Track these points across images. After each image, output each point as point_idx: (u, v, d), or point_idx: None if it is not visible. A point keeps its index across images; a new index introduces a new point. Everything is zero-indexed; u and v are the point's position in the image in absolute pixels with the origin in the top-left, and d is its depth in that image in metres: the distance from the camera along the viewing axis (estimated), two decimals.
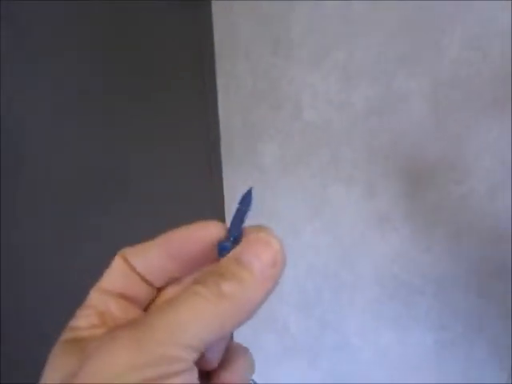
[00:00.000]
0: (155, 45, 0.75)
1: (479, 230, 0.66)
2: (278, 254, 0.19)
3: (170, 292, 0.21)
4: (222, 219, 0.99)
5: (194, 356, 0.16)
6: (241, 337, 0.91)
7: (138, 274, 0.21)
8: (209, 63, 0.85)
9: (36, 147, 0.60)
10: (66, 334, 0.19)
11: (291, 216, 0.84)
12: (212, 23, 0.84)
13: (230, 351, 0.21)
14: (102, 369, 0.15)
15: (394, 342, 0.79)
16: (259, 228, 0.20)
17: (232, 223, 0.21)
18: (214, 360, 0.20)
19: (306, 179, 0.78)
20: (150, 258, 0.21)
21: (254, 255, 0.18)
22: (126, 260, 0.21)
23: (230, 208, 0.97)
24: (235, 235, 0.20)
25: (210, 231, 0.21)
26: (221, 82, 0.86)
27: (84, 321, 0.19)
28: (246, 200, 0.22)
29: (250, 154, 0.85)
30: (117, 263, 0.21)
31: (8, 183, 0.56)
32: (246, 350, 0.22)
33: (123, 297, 0.20)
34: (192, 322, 0.16)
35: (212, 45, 0.83)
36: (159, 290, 0.22)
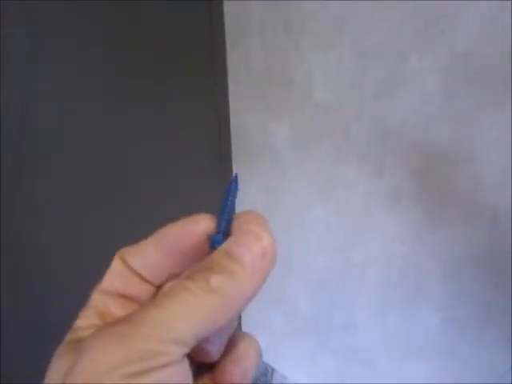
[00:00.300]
0: (165, 26, 0.75)
1: (490, 210, 0.66)
2: (268, 245, 0.18)
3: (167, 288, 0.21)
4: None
5: (184, 350, 0.16)
6: (249, 316, 0.93)
7: (137, 273, 0.21)
8: (219, 43, 0.85)
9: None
10: (69, 335, 0.19)
11: (301, 195, 0.84)
12: (223, 2, 0.84)
13: (234, 341, 0.21)
14: (89, 367, 0.15)
15: (402, 321, 0.80)
16: (248, 215, 0.20)
17: (221, 215, 0.20)
18: (214, 352, 0.20)
19: (317, 158, 0.78)
20: (146, 256, 0.21)
21: (245, 248, 0.18)
22: (124, 260, 0.21)
23: (239, 194, 0.98)
24: (224, 227, 0.20)
25: (202, 224, 0.20)
26: (231, 62, 0.85)
27: (85, 321, 0.19)
28: (231, 189, 0.21)
29: (260, 134, 0.85)
30: (115, 264, 0.21)
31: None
32: (251, 341, 0.22)
33: (123, 296, 0.20)
34: (179, 317, 0.16)
35: (223, 24, 0.83)
36: (159, 287, 0.22)
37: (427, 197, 0.71)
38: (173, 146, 0.81)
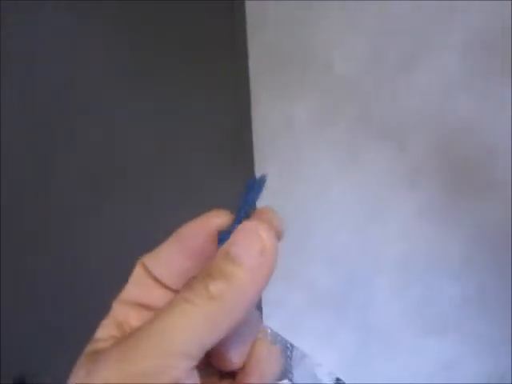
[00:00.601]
0: (186, 6, 0.75)
1: (510, 185, 0.65)
2: (266, 241, 0.17)
3: None
4: (252, 172, 1.01)
5: (190, 363, 0.16)
6: (268, 293, 0.95)
7: (157, 279, 0.20)
8: (240, 23, 0.85)
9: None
10: (89, 346, 0.18)
11: (320, 173, 0.85)
12: None
13: (255, 348, 0.20)
14: None
15: (421, 297, 0.80)
16: (261, 211, 0.20)
17: (238, 211, 0.19)
18: (237, 360, 0.19)
19: (336, 135, 0.78)
20: (166, 259, 0.20)
21: (242, 247, 0.17)
22: (145, 267, 0.20)
23: (259, 170, 0.99)
24: (237, 224, 0.18)
25: (218, 221, 0.20)
26: (251, 40, 0.85)
27: (104, 332, 0.19)
28: (254, 186, 0.20)
29: (279, 113, 0.86)
30: (136, 272, 0.21)
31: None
32: (271, 348, 0.21)
33: (142, 305, 0.20)
34: (181, 329, 0.16)
35: (243, 1, 0.83)
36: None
37: (447, 173, 0.70)
38: (194, 131, 0.81)
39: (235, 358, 0.19)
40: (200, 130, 0.82)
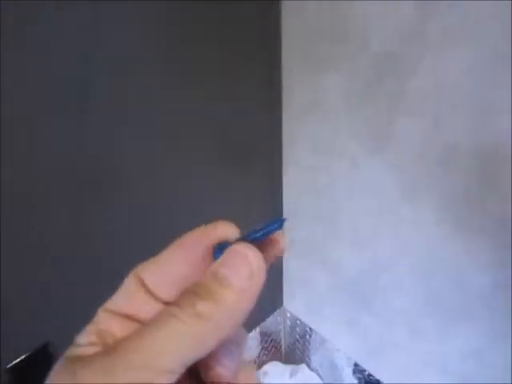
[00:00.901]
0: None
1: None
2: (254, 266, 0.18)
3: None
4: (280, 159, 1.00)
5: (171, 379, 0.16)
6: (291, 272, 0.95)
7: (150, 291, 0.20)
8: None
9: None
10: (69, 351, 0.18)
11: (352, 152, 0.83)
12: None
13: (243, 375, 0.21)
14: None
15: (449, 283, 0.79)
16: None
17: (247, 236, 0.20)
18: (228, 374, 0.20)
19: (370, 113, 0.76)
20: (165, 268, 0.20)
21: (232, 270, 0.18)
22: (139, 278, 0.20)
23: (288, 148, 0.98)
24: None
25: (221, 232, 0.20)
26: (285, 13, 0.84)
27: (85, 338, 0.19)
28: (277, 226, 0.20)
29: (312, 89, 0.85)
30: (129, 282, 0.20)
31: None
32: (253, 367, 0.22)
33: (128, 317, 0.20)
34: (165, 345, 0.16)
35: None
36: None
37: (482, 155, 0.68)
38: (234, 84, 0.81)
39: (226, 372, 0.20)
40: (234, 103, 0.82)
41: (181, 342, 0.16)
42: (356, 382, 1.18)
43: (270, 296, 1.26)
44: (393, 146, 0.76)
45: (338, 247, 0.98)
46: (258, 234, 0.20)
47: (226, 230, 0.21)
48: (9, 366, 0.63)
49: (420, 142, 0.72)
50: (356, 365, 1.15)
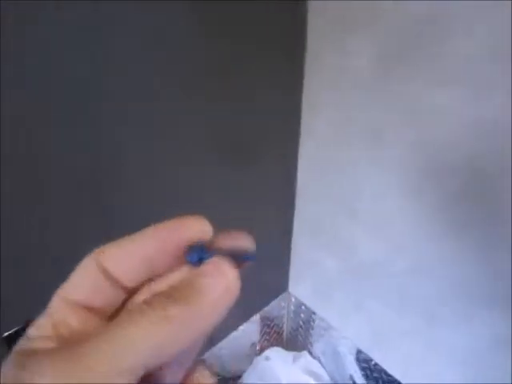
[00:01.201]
0: None
1: None
2: (232, 282, 0.18)
3: (144, 294, 0.20)
4: (297, 124, 0.94)
5: (132, 378, 0.16)
6: (300, 255, 0.89)
7: (110, 276, 0.19)
8: None
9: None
10: (21, 344, 0.18)
11: (378, 125, 0.77)
12: None
13: (192, 372, 0.21)
14: None
15: (471, 270, 0.73)
16: (229, 238, 0.21)
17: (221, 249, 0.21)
18: (173, 379, 0.20)
19: (403, 81, 0.70)
20: (128, 253, 0.20)
21: (210, 281, 0.18)
22: (98, 261, 0.19)
23: (307, 115, 0.92)
24: (207, 256, 0.20)
25: (194, 229, 0.20)
26: None
27: (38, 331, 0.18)
28: (249, 256, 0.21)
29: (337, 54, 0.78)
30: (86, 265, 0.19)
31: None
32: (207, 375, 0.22)
33: (85, 307, 0.19)
34: (130, 345, 0.16)
35: None
36: (132, 292, 0.20)
37: None
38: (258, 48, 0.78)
39: (169, 378, 0.20)
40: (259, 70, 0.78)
41: (147, 343, 0.16)
42: (360, 370, 1.15)
43: (275, 279, 1.22)
44: (425, 118, 0.69)
45: (352, 229, 0.93)
46: (225, 253, 0.20)
47: (200, 225, 0.21)
48: (5, 334, 0.64)
49: (455, 113, 0.65)
50: (360, 352, 1.11)
